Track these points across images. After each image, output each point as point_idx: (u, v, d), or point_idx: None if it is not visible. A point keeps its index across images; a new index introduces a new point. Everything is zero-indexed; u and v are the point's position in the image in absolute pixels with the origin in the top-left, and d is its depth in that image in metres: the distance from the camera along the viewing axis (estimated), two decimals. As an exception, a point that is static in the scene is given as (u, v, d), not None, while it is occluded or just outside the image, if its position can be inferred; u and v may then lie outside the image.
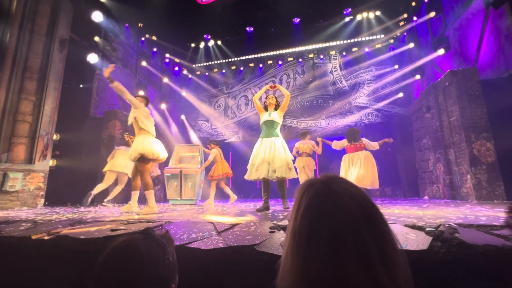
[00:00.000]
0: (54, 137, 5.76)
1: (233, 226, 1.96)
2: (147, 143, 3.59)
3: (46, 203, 5.43)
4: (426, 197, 6.21)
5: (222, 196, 7.53)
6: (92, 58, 6.43)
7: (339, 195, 0.51)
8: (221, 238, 1.66)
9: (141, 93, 8.05)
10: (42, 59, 5.53)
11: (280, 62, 10.26)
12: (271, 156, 3.44)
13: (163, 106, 9.28)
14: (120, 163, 5.30)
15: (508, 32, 4.57)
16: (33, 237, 1.86)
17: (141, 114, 3.71)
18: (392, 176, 7.80)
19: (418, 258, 1.28)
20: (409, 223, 1.80)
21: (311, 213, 0.51)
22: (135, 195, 3.70)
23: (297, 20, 8.19)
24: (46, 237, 1.85)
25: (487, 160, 4.48)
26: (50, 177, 5.51)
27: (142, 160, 3.57)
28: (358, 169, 4.46)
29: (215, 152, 5.59)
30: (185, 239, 1.67)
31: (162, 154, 3.75)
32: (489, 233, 1.45)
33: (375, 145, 4.81)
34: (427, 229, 1.56)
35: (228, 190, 5.60)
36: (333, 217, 0.49)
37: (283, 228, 1.80)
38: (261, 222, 2.11)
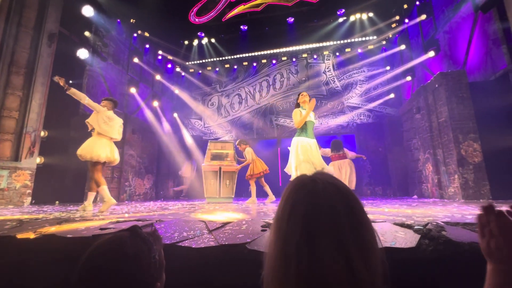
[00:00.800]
0: (42, 134, 5.61)
1: (224, 224, 1.96)
2: (90, 145, 3.68)
3: (33, 201, 5.29)
4: (415, 196, 6.33)
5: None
6: (82, 53, 6.28)
7: (320, 181, 0.55)
8: (212, 237, 1.65)
9: (135, 89, 7.93)
10: (30, 53, 5.37)
11: (274, 61, 10.26)
12: (315, 157, 3.49)
13: (155, 103, 9.16)
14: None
15: (496, 36, 4.69)
16: (19, 236, 1.81)
17: (101, 118, 3.75)
18: (382, 176, 7.93)
19: (406, 256, 1.31)
20: (398, 221, 1.83)
21: (293, 197, 0.55)
22: (91, 195, 3.75)
23: (291, 19, 8.21)
24: (32, 236, 1.80)
25: (474, 160, 4.59)
26: (38, 175, 5.37)
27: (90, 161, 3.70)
28: (344, 174, 5.56)
29: (250, 151, 5.64)
30: (176, 237, 1.65)
31: (104, 156, 3.69)
32: (474, 231, 1.49)
33: (352, 155, 5.92)
34: (415, 227, 1.59)
35: (267, 188, 5.56)
36: (312, 195, 0.53)
37: (275, 226, 1.80)
38: (253, 220, 2.11)
